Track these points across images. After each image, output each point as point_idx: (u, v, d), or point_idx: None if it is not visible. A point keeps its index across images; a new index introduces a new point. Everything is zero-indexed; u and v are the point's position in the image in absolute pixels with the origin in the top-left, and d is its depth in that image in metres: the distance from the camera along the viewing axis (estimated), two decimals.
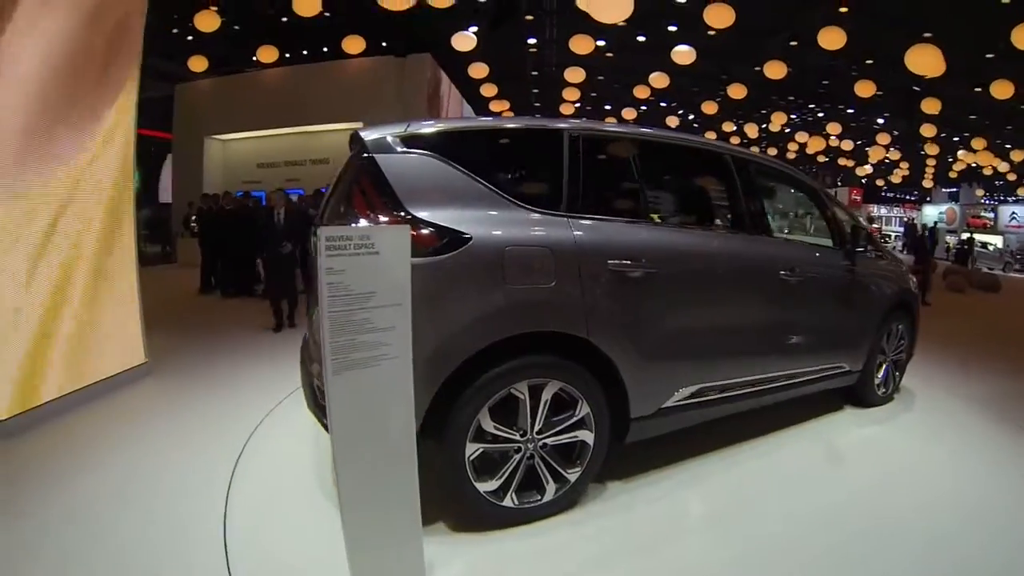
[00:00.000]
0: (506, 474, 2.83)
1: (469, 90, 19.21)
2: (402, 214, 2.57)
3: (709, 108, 18.77)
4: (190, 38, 14.37)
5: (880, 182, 39.65)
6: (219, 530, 2.87)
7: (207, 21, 12.00)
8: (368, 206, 2.63)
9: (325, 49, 16.91)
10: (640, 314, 3.06)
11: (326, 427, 2.34)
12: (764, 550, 2.86)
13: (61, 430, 4.15)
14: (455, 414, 2.64)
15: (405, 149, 2.72)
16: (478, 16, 15.64)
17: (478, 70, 15.93)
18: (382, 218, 2.57)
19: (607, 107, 27.35)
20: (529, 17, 15.84)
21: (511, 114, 26.89)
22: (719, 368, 3.53)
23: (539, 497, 2.92)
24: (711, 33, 15.33)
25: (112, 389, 4.98)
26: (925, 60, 8.81)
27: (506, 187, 2.83)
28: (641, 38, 16.61)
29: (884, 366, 4.91)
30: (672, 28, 14.65)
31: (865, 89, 13.26)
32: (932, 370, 6.35)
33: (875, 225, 29.15)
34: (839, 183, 39.52)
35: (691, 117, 29.00)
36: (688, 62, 12.75)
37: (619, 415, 3.10)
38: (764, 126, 24.70)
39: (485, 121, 3.23)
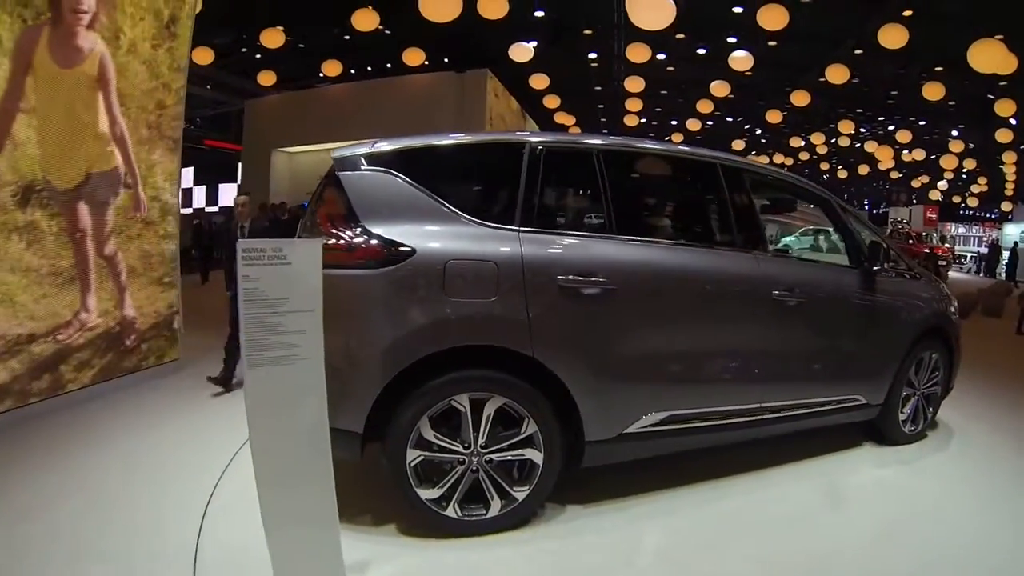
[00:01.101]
0: (448, 484, 2.82)
1: (533, 106, 19.23)
2: (358, 229, 2.68)
3: (773, 117, 18.14)
4: (258, 56, 14.93)
5: (957, 199, 37.62)
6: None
7: (272, 38, 12.45)
8: (330, 220, 2.77)
9: (389, 65, 17.23)
10: (596, 333, 2.92)
11: None
12: None
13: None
14: (396, 420, 2.70)
15: (368, 167, 2.82)
16: (536, 32, 15.71)
17: (539, 81, 16.00)
18: (342, 231, 2.69)
19: (672, 121, 27.03)
20: (588, 31, 15.77)
21: (577, 129, 27.09)
22: (695, 395, 3.25)
23: (484, 512, 2.87)
24: (771, 43, 14.99)
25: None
26: (990, 56, 8.23)
27: (459, 202, 2.85)
28: (701, 51, 16.29)
29: (912, 400, 4.28)
30: (732, 40, 14.26)
31: (934, 92, 12.52)
32: (983, 405, 5.61)
33: (947, 245, 27.43)
34: (913, 200, 37.64)
35: (758, 132, 28.33)
36: (746, 68, 12.45)
37: (574, 437, 2.97)
38: (833, 140, 23.85)
39: (447, 138, 3.14)
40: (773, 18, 9.23)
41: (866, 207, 46.60)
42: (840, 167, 30.97)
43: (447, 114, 15.22)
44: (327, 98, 16.58)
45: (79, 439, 4.13)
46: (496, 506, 2.87)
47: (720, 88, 15.05)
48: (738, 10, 12.40)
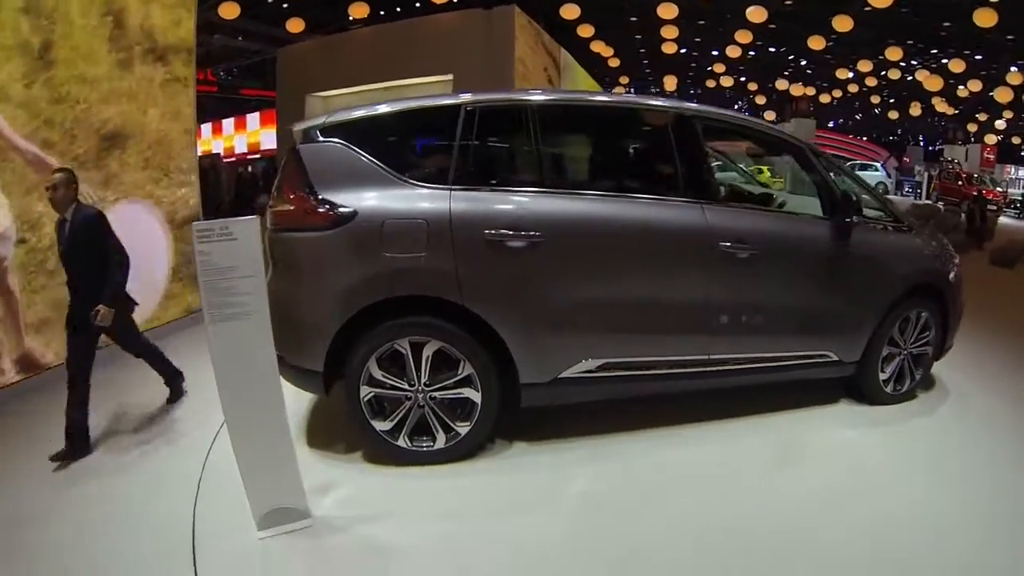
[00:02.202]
0: (397, 418, 3.11)
1: (568, 39, 18.70)
2: (311, 195, 2.96)
3: (816, 43, 17.07)
4: (285, 5, 14.81)
5: (1017, 140, 35.29)
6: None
7: None
8: (290, 188, 3.04)
9: (417, 4, 16.93)
10: (525, 283, 3.06)
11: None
12: (612, 543, 2.64)
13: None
14: (349, 361, 3.01)
15: (323, 138, 3.07)
16: None
17: (570, 11, 15.59)
18: (299, 197, 2.99)
19: (714, 52, 26.04)
20: None
21: (617, 61, 26.36)
22: (633, 344, 3.28)
23: (431, 443, 3.16)
24: None
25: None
26: None
27: (399, 165, 3.05)
28: None
29: (896, 360, 4.01)
30: None
31: (986, 18, 11.68)
32: (995, 366, 5.03)
33: (999, 188, 24.67)
34: (971, 140, 35.24)
35: (802, 63, 27.04)
36: None
37: (511, 380, 3.15)
38: (883, 73, 22.55)
39: (389, 105, 3.28)
40: None
41: (921, 143, 44.30)
42: (892, 100, 29.36)
43: (475, 52, 14.90)
44: (356, 42, 16.39)
45: None
46: (442, 439, 3.15)
47: (757, 14, 14.30)
48: None
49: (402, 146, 3.28)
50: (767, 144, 4.49)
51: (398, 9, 17.68)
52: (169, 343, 4.78)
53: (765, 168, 30.41)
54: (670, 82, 32.12)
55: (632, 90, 44.96)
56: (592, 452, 3.33)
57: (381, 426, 3.10)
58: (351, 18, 15.09)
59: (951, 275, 4.15)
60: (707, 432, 3.63)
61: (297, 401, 3.70)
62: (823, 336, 3.74)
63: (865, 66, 19.97)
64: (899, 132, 44.20)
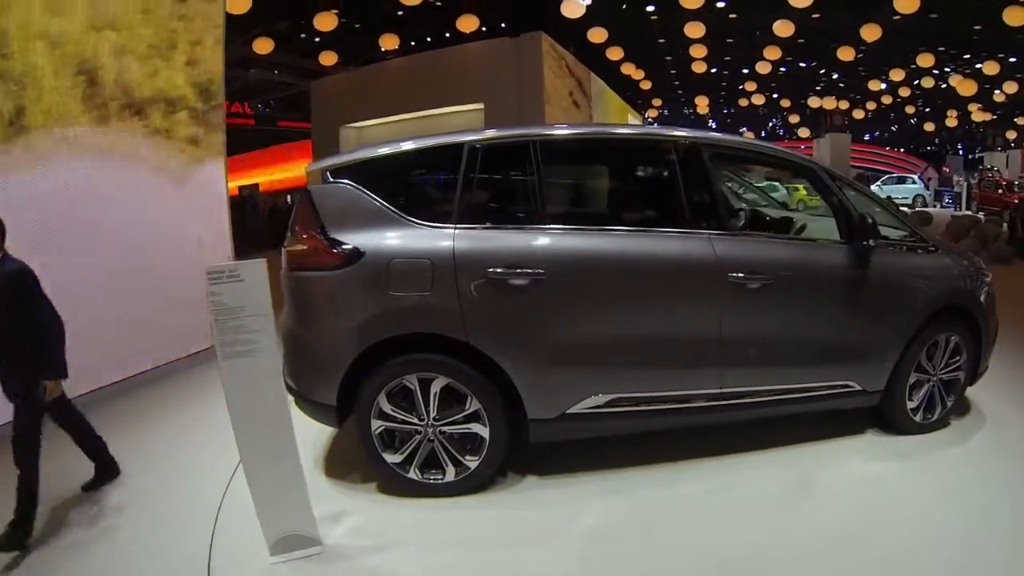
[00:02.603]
0: (408, 451, 3.12)
1: (598, 63, 18.78)
2: (322, 235, 3.02)
3: (845, 54, 16.84)
4: (317, 39, 15.20)
5: None
6: None
7: (326, 21, 12.67)
8: (303, 228, 3.11)
9: (447, 35, 17.21)
10: (530, 320, 3.06)
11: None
12: None
13: None
14: (360, 395, 3.05)
15: (333, 179, 3.15)
16: None
17: (597, 35, 15.69)
18: (311, 237, 3.06)
19: (744, 70, 25.90)
20: None
21: (648, 84, 26.36)
22: (642, 379, 3.22)
23: (441, 476, 3.16)
24: None
25: None
26: None
27: (405, 205, 3.09)
28: None
29: (925, 387, 3.75)
30: None
31: (1017, 17, 11.35)
32: None
33: None
34: (1011, 145, 34.08)
35: (834, 76, 26.67)
36: (806, 4, 11.67)
37: (518, 415, 3.14)
38: (916, 82, 22.12)
39: (395, 146, 3.32)
40: None
41: (960, 152, 43.18)
42: (927, 109, 28.74)
43: (504, 80, 15.04)
44: (388, 73, 16.70)
45: None
46: (451, 472, 3.15)
47: (784, 27, 14.18)
48: None
49: (408, 186, 3.31)
50: (780, 168, 4.34)
51: (428, 40, 17.98)
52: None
53: (801, 187, 30.05)
54: (702, 103, 32.03)
55: (665, 111, 45.07)
56: (603, 486, 3.26)
57: (392, 459, 3.12)
58: (382, 49, 15.38)
59: (982, 295, 3.88)
60: (723, 465, 3.47)
61: (318, 432, 3.72)
62: (844, 365, 3.55)
63: (897, 75, 19.53)
64: (936, 142, 43.12)
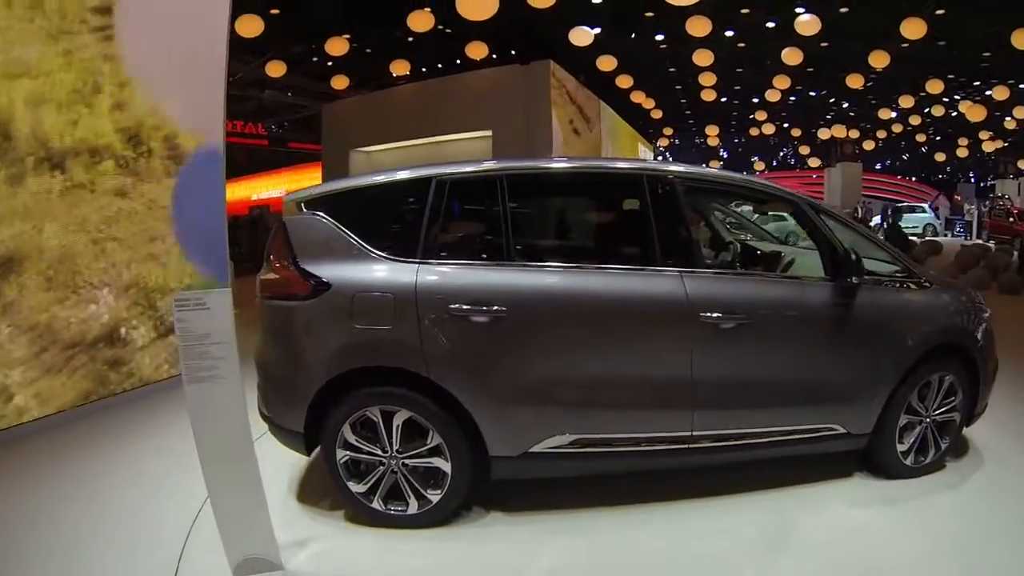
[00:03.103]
0: (371, 481, 3.09)
1: (609, 92, 18.79)
2: (294, 266, 3.05)
3: (854, 82, 16.63)
4: (330, 63, 15.32)
5: None
6: None
7: (337, 46, 12.73)
8: (277, 258, 3.15)
9: (458, 61, 17.30)
10: (491, 357, 3.01)
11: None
12: None
13: None
14: (325, 425, 3.04)
15: (306, 211, 3.16)
16: (598, 18, 15.36)
17: (606, 63, 15.70)
18: (283, 267, 3.10)
19: (754, 99, 25.88)
20: (649, 14, 15.22)
21: (659, 113, 26.42)
22: (607, 420, 3.11)
23: (404, 508, 3.11)
24: (843, 10, 13.96)
25: None
26: None
27: (372, 239, 3.08)
28: (771, 24, 15.40)
29: (917, 429, 3.53)
30: (800, 10, 13.34)
31: None
32: None
33: None
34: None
35: (844, 105, 26.54)
36: (814, 32, 11.60)
37: (481, 451, 3.07)
38: (927, 110, 21.96)
39: (365, 179, 3.38)
40: None
41: (972, 180, 42.80)
42: (938, 138, 28.53)
43: (513, 106, 15.02)
44: (398, 98, 16.74)
45: None
46: (414, 505, 3.10)
47: (792, 55, 14.08)
48: None
49: (376, 219, 3.25)
50: (759, 201, 4.16)
51: (439, 66, 18.07)
52: None
53: None
54: (712, 132, 32.04)
55: (676, 140, 45.22)
56: (567, 525, 3.14)
57: (357, 488, 3.09)
58: (393, 75, 15.45)
59: (980, 332, 3.66)
60: (695, 510, 3.27)
61: (296, 459, 3.63)
62: (827, 408, 3.35)
63: (907, 102, 19.24)
64: (948, 170, 42.74)
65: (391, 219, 3.30)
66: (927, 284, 3.61)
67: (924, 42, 14.53)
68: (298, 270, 3.04)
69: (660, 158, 40.56)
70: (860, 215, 25.52)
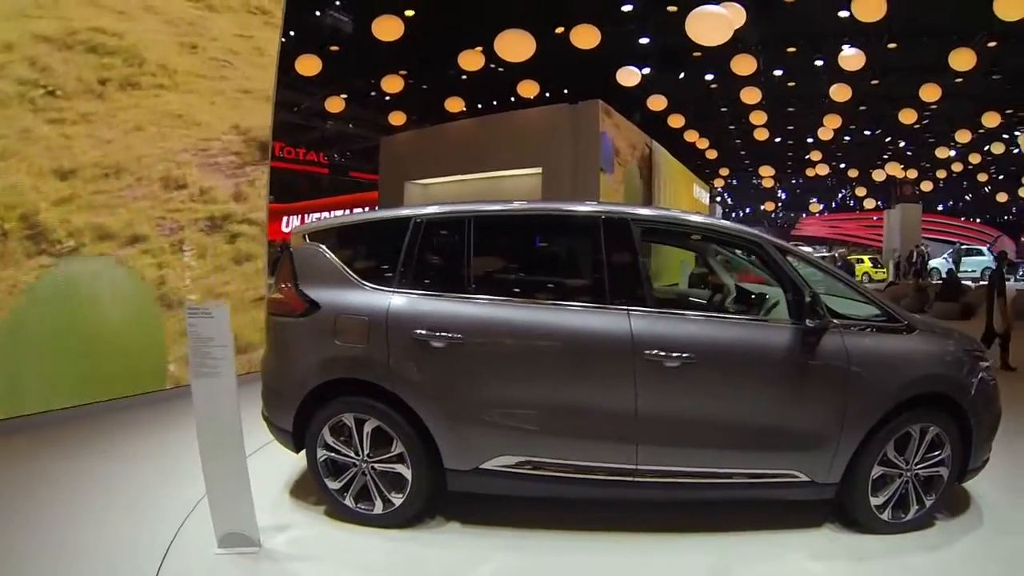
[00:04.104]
0: (344, 480, 3.36)
1: (663, 132, 18.82)
2: (294, 288, 3.46)
3: (907, 117, 16.12)
4: (387, 98, 15.88)
5: None
6: None
7: (392, 84, 13.22)
8: (282, 280, 3.56)
9: (512, 99, 17.66)
10: (448, 379, 3.23)
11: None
12: None
13: None
14: (308, 426, 3.36)
15: (310, 241, 3.59)
16: (647, 58, 15.54)
17: (657, 102, 15.75)
18: (287, 289, 3.50)
19: (808, 140, 25.45)
20: (697, 53, 15.26)
21: (714, 153, 26.24)
22: (551, 445, 3.20)
23: (371, 508, 3.33)
24: (891, 46, 13.70)
25: None
26: None
27: (359, 268, 3.46)
28: (819, 62, 15.22)
29: (897, 482, 3.29)
30: (847, 48, 13.16)
31: None
32: None
33: None
34: None
35: (901, 144, 25.77)
36: (858, 67, 11.41)
37: (437, 463, 3.26)
38: (987, 148, 21.13)
39: (360, 216, 3.93)
40: (868, 8, 8.37)
41: None
42: (1000, 177, 27.29)
43: (562, 145, 15.17)
44: (452, 133, 17.12)
45: None
46: (379, 506, 3.33)
47: (841, 92, 13.80)
48: (844, 14, 11.43)
49: (364, 251, 3.65)
50: (718, 242, 4.07)
51: (494, 103, 18.48)
52: None
53: (866, 259, 28.79)
54: (766, 172, 31.52)
55: (734, 181, 44.56)
56: (514, 542, 3.23)
57: (332, 485, 3.36)
58: (449, 111, 15.89)
59: (973, 382, 3.39)
60: (643, 543, 3.22)
61: (297, 458, 3.79)
62: (786, 454, 3.22)
63: (963, 136, 18.39)
64: (1014, 211, 40.69)
65: (377, 252, 3.64)
66: (909, 329, 3.42)
67: (979, 76, 14.12)
68: (297, 292, 3.44)
69: (718, 199, 40.24)
70: (914, 259, 24.48)
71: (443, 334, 3.19)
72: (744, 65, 12.50)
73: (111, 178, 5.42)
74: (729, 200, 51.23)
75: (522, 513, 3.41)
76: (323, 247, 3.53)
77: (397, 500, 3.29)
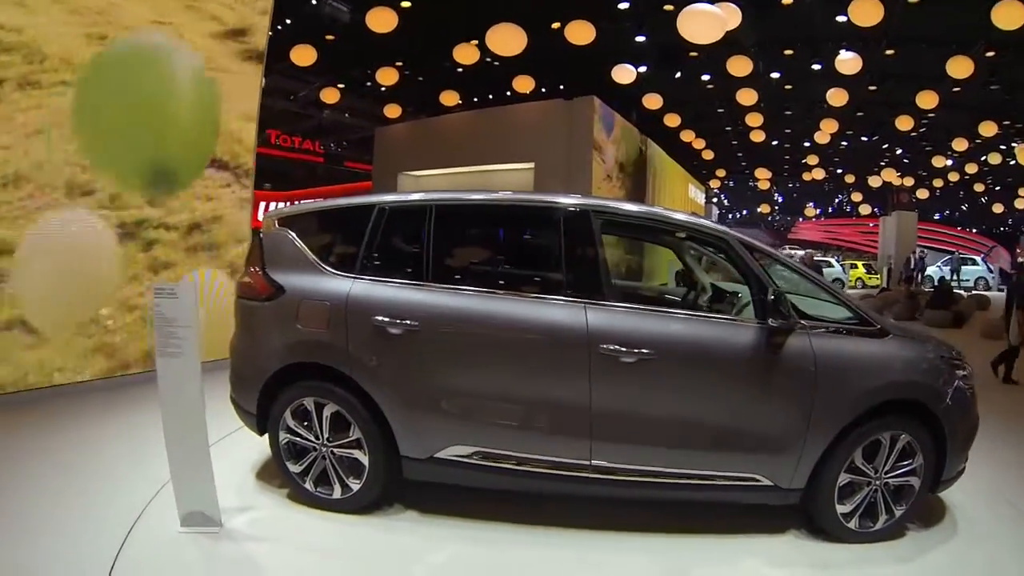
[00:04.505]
0: (305, 464, 3.35)
1: (658, 131, 18.60)
2: (262, 272, 3.48)
3: (904, 124, 15.84)
4: (383, 89, 15.70)
5: None
6: None
7: (387, 76, 13.03)
8: (250, 264, 3.63)
9: (508, 93, 17.45)
10: (402, 365, 3.21)
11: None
12: None
13: None
14: (271, 409, 3.37)
15: (279, 227, 3.58)
16: (643, 56, 15.33)
17: (652, 101, 15.57)
18: (255, 272, 3.52)
19: (806, 144, 25.26)
20: (694, 53, 15.06)
21: (710, 154, 26.06)
22: (505, 437, 3.17)
23: (330, 492, 3.32)
24: (888, 52, 13.51)
25: None
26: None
27: (324, 255, 3.45)
28: (816, 66, 15.01)
29: (865, 491, 3.16)
30: (846, 52, 12.97)
31: None
32: None
33: None
34: None
35: (898, 151, 25.61)
36: (855, 71, 11.21)
37: (394, 450, 3.24)
38: (983, 158, 20.93)
39: (327, 204, 3.97)
40: (865, 12, 8.18)
41: None
42: (997, 188, 27.14)
43: (556, 141, 14.99)
44: (447, 126, 16.95)
45: None
46: (338, 491, 3.32)
47: (837, 96, 13.61)
48: (842, 19, 11.22)
49: (330, 238, 3.64)
50: (680, 237, 3.95)
51: (490, 96, 18.27)
52: None
53: (860, 264, 28.68)
54: (762, 175, 31.36)
55: (730, 183, 44.38)
56: (468, 533, 3.21)
57: (293, 468, 3.36)
58: (444, 104, 15.71)
59: (948, 389, 3.24)
60: (598, 540, 3.14)
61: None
62: (746, 457, 3.11)
63: (960, 145, 18.22)
64: (1010, 222, 40.53)
65: (342, 238, 3.63)
66: (881, 333, 3.27)
67: (976, 86, 13.92)
68: (264, 276, 3.46)
69: (715, 200, 40.04)
70: (912, 264, 24.33)
71: (400, 321, 3.16)
72: (740, 66, 12.36)
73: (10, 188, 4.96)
74: (726, 201, 51.09)
75: (482, 504, 3.37)
76: (292, 233, 3.52)
77: (355, 485, 3.28)
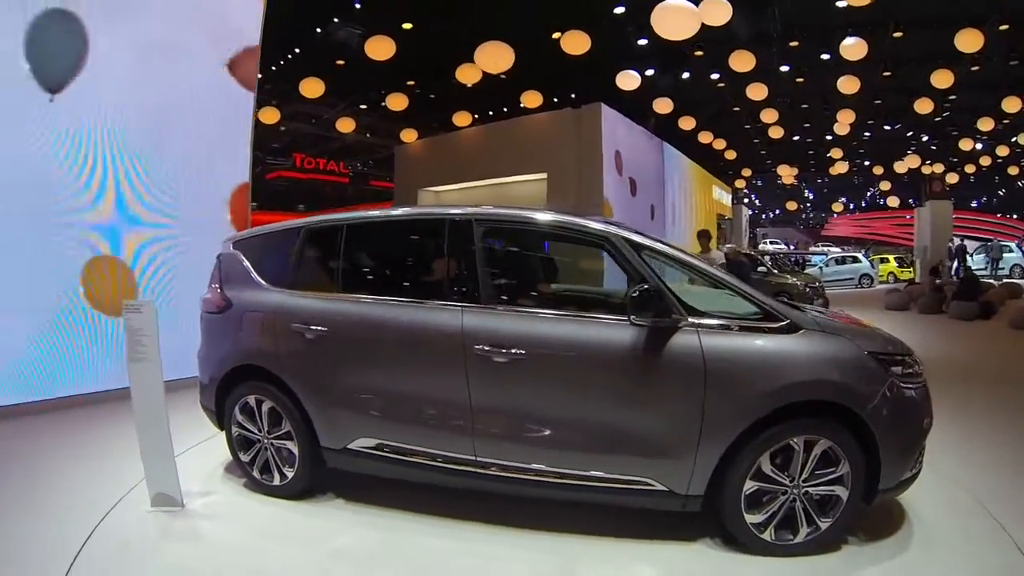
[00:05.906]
0: (252, 454, 3.79)
1: (676, 135, 18.12)
2: (219, 289, 3.99)
3: (924, 106, 15.07)
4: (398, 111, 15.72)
5: None
6: None
7: (397, 102, 13.01)
8: (212, 282, 4.10)
9: (521, 104, 17.27)
10: (316, 365, 3.57)
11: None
12: None
13: None
14: (225, 408, 3.85)
15: (234, 248, 4.08)
16: (648, 60, 14.93)
17: (663, 105, 15.14)
18: (214, 289, 4.03)
19: (827, 137, 24.31)
20: (698, 53, 14.57)
21: (733, 154, 25.31)
22: (400, 431, 3.40)
23: (271, 480, 3.72)
24: (896, 35, 12.78)
25: None
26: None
27: (264, 272, 3.91)
28: (825, 56, 14.33)
29: (781, 500, 2.89)
30: (851, 39, 12.30)
31: None
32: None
33: None
34: None
35: (924, 138, 24.38)
36: (861, 56, 10.62)
37: (316, 441, 3.57)
38: (1013, 139, 19.73)
39: (269, 227, 4.19)
40: None
41: None
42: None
43: (566, 149, 14.71)
44: (462, 142, 16.91)
45: None
46: (278, 478, 3.72)
47: (849, 84, 12.98)
48: (841, 3, 10.64)
49: (269, 257, 4.01)
50: (562, 239, 3.76)
51: (504, 109, 18.10)
52: None
53: (891, 258, 27.41)
54: (786, 172, 30.26)
55: (758, 182, 43.03)
56: (376, 520, 3.41)
57: (244, 458, 3.80)
58: (456, 124, 15.62)
59: (878, 390, 2.89)
60: (495, 536, 3.16)
61: None
62: (634, 459, 2.96)
63: (986, 124, 17.05)
64: None
65: (277, 257, 4.00)
66: (791, 329, 2.96)
67: (996, 62, 13.06)
68: (221, 293, 3.98)
69: (745, 200, 38.90)
70: (952, 252, 22.91)
71: (313, 327, 3.55)
72: (742, 61, 11.85)
73: None
74: (757, 201, 49.62)
75: (411, 495, 3.54)
76: (240, 253, 4.02)
77: (289, 473, 3.67)
